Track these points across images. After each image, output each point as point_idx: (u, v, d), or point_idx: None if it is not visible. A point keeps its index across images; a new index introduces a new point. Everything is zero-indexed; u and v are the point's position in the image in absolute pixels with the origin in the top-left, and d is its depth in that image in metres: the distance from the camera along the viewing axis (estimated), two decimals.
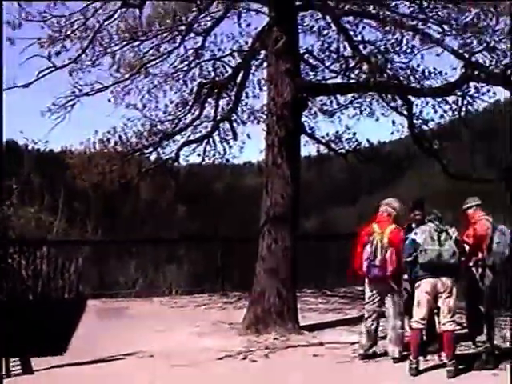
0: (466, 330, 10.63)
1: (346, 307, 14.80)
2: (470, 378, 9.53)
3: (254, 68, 15.24)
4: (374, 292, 10.50)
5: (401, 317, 10.33)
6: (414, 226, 10.53)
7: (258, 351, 10.98)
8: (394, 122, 15.21)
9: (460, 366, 9.67)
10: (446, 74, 14.18)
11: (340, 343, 11.36)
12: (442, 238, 9.57)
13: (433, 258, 9.50)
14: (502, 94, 14.26)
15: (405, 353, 10.15)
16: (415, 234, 9.80)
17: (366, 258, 10.34)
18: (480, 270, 10.00)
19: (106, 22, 13.45)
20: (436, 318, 10.06)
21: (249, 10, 14.34)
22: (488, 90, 14.19)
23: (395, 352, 10.25)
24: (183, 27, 13.86)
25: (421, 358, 9.88)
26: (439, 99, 14.66)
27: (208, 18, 14.39)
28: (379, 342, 10.66)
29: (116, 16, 13.40)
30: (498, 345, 10.74)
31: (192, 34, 14.57)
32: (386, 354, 10.46)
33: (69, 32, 13.52)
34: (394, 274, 10.22)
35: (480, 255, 10.02)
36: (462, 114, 14.93)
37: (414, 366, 9.63)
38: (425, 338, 10.29)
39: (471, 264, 10.04)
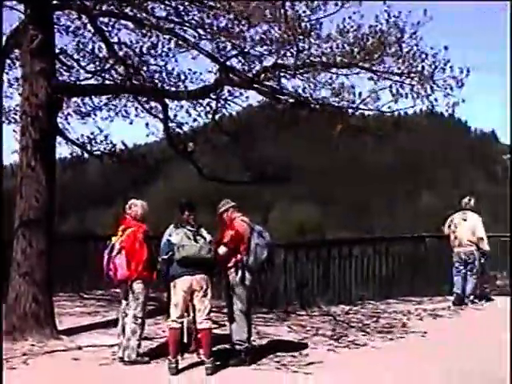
0: (224, 328, 10.76)
1: (104, 310, 14.51)
2: (229, 375, 9.67)
3: (7, 67, 14.54)
4: (120, 294, 10.37)
5: (135, 320, 10.11)
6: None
7: (15, 359, 10.39)
8: (147, 125, 15.19)
9: (218, 363, 9.80)
10: (201, 77, 14.35)
11: (99, 346, 11.09)
12: (198, 238, 9.65)
13: (190, 254, 9.53)
14: (254, 98, 14.65)
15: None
16: (169, 235, 9.79)
17: (104, 261, 10.24)
18: (239, 271, 10.13)
19: None
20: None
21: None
22: (241, 94, 14.55)
23: (131, 356, 10.05)
24: None
25: (180, 358, 9.87)
26: (194, 102, 14.78)
27: None
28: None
29: None
30: (255, 341, 11.03)
31: None
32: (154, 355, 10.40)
33: None
34: (131, 278, 10.05)
35: (239, 256, 10.15)
36: (216, 117, 15.22)
37: (173, 365, 9.63)
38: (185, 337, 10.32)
39: (230, 265, 10.14)
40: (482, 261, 15.93)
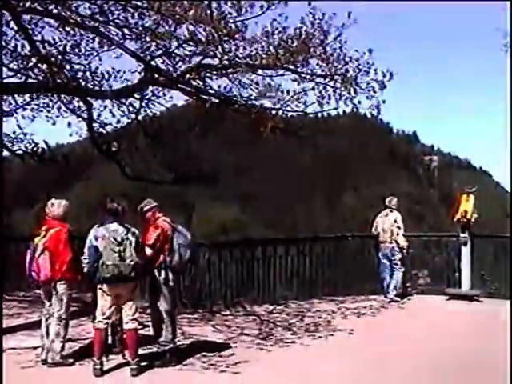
0: (150, 329, 10.78)
1: (26, 311, 14.31)
2: (154, 376, 9.71)
3: None
4: (43, 295, 10.24)
5: (59, 321, 10.04)
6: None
7: None
8: (69, 124, 15.11)
9: (144, 364, 9.84)
10: (125, 77, 14.34)
11: (22, 348, 10.96)
12: (122, 248, 9.55)
13: (114, 274, 9.48)
14: (178, 98, 14.72)
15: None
16: (96, 238, 9.67)
17: (27, 261, 10.09)
18: (163, 271, 10.15)
19: None
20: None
21: None
22: (164, 94, 14.61)
23: (55, 358, 9.99)
24: None
25: (104, 359, 9.84)
26: (117, 102, 14.76)
27: None
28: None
29: None
30: (180, 341, 11.08)
31: None
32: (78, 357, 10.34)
33: None
34: (55, 279, 9.95)
35: (162, 257, 10.16)
36: (140, 117, 15.23)
37: (98, 366, 9.60)
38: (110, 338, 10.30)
39: (154, 266, 10.15)
40: (401, 256, 16.34)
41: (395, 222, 16.18)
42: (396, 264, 16.14)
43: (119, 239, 9.61)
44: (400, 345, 11.65)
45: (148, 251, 10.04)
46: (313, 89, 13.31)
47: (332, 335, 12.47)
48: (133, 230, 9.83)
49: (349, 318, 14.23)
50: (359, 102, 13.20)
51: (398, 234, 16.13)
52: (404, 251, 16.31)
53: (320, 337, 12.30)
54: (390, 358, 10.73)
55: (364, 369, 10.12)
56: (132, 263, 9.56)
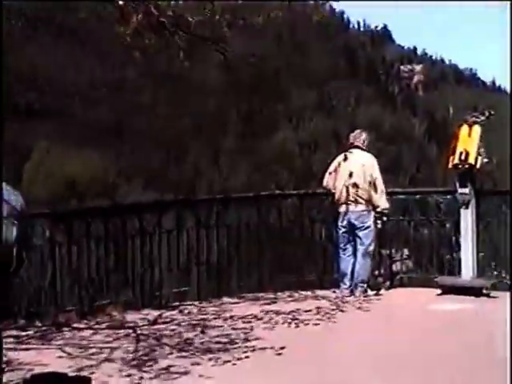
0: None
1: None
2: None
3: None
4: None
5: None
6: None
7: None
8: None
9: None
10: None
11: None
12: None
13: None
14: None
15: None
16: None
17: None
18: None
19: None
20: None
21: None
22: None
23: None
24: None
25: None
26: None
27: None
28: None
29: None
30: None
31: None
32: None
33: None
34: None
35: None
36: None
37: None
38: None
39: None
40: (379, 226, 16.20)
41: (369, 169, 15.85)
42: (366, 237, 15.98)
43: None
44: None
45: None
46: None
47: (248, 357, 12.15)
48: None
49: (278, 328, 14.14)
50: None
51: (375, 190, 15.87)
52: (384, 218, 16.14)
53: (228, 361, 11.93)
54: None
55: None
56: None
